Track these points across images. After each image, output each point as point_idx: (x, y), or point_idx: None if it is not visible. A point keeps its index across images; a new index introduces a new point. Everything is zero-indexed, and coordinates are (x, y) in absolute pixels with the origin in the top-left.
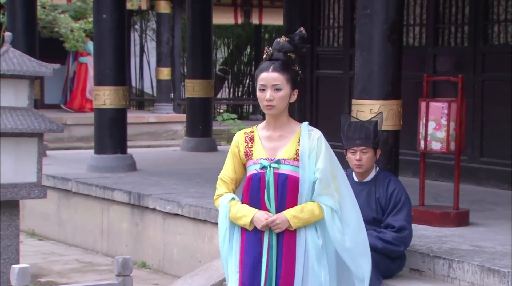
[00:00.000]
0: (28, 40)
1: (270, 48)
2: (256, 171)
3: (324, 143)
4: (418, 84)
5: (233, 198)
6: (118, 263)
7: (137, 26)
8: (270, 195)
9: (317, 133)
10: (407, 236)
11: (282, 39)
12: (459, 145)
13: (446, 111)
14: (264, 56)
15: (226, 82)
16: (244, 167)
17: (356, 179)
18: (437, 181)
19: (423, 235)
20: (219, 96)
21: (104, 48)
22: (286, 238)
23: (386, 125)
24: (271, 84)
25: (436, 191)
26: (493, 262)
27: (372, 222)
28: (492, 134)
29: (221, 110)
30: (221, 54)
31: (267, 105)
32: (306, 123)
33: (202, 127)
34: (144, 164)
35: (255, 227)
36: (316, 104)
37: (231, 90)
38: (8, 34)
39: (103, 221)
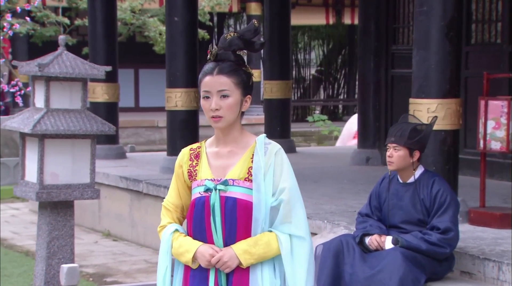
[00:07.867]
0: (107, 43)
1: (215, 46)
2: (200, 195)
3: (285, 158)
4: (494, 82)
5: (176, 230)
6: None
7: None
8: (216, 224)
9: (275, 147)
10: (453, 238)
11: (230, 35)
12: None
13: (505, 110)
14: (208, 56)
15: (322, 83)
16: (191, 191)
17: (400, 180)
18: None
19: (479, 237)
20: (316, 97)
21: (176, 50)
22: (237, 277)
23: (444, 125)
24: (216, 90)
25: (508, 192)
26: None
27: (417, 223)
28: None
29: (317, 111)
30: (315, 55)
31: (213, 117)
32: (263, 135)
33: (280, 129)
34: None
35: (200, 265)
36: (391, 104)
37: (328, 91)
38: (61, 37)
39: None
